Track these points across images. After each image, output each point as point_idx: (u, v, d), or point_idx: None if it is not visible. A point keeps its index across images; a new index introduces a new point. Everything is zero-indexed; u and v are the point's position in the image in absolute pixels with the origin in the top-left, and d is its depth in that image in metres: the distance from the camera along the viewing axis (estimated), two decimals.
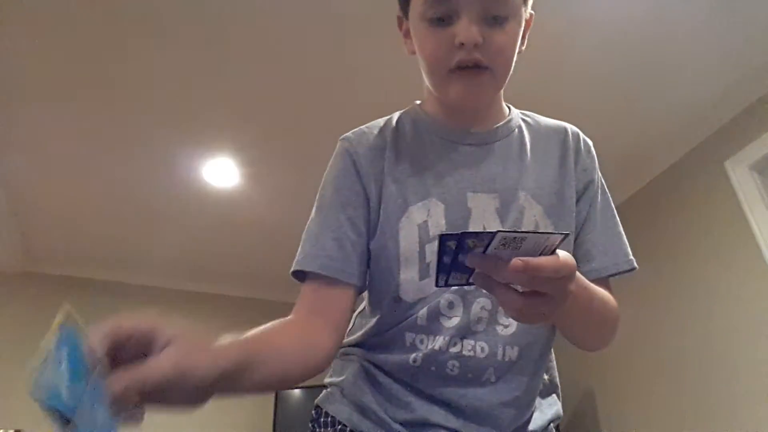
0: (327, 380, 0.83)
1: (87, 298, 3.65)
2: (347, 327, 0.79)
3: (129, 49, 2.14)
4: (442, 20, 0.73)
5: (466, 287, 0.72)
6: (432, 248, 0.74)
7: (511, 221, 0.77)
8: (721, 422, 2.32)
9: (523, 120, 0.88)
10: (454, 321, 0.73)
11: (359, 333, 0.81)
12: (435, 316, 0.74)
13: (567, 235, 0.50)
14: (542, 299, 0.51)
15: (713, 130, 2.62)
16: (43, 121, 2.47)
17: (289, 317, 0.73)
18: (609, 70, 2.35)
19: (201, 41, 2.12)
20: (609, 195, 0.87)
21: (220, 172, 2.88)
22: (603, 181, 0.88)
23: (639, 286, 2.88)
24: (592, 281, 0.76)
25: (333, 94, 2.37)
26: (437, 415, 0.72)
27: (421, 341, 0.74)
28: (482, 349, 0.73)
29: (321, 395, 0.81)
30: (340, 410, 0.76)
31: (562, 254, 0.50)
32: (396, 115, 0.88)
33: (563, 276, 0.50)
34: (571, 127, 0.88)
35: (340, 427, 0.75)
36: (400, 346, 0.75)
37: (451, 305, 0.74)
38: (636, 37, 2.20)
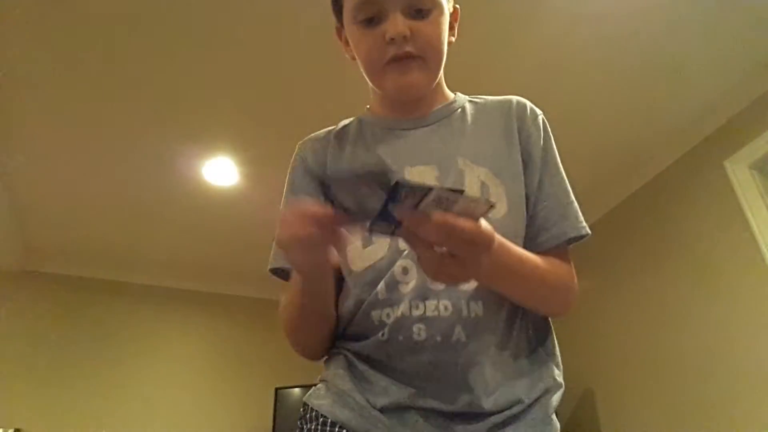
0: (318, 377, 0.84)
1: (87, 297, 3.66)
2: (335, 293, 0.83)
3: (129, 49, 2.14)
4: (372, 21, 0.79)
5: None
6: None
7: (450, 184, 0.77)
8: (720, 422, 2.32)
9: (471, 101, 0.92)
10: (411, 284, 0.74)
11: (341, 322, 0.83)
12: (393, 285, 0.75)
13: (493, 205, 0.53)
14: (455, 261, 0.55)
15: (713, 130, 2.62)
16: (43, 120, 2.47)
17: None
18: (609, 69, 2.35)
19: (201, 41, 2.12)
20: (561, 165, 0.88)
21: (220, 171, 2.88)
22: (555, 149, 0.88)
23: (638, 285, 2.88)
24: (552, 247, 0.80)
25: (333, 94, 2.37)
26: (413, 395, 0.72)
27: (387, 315, 0.75)
28: (446, 308, 0.73)
29: (308, 393, 0.82)
30: (323, 403, 0.77)
31: (483, 224, 0.54)
32: (345, 121, 0.95)
33: (478, 244, 0.54)
34: (517, 98, 0.91)
35: (322, 419, 0.75)
36: (371, 327, 0.76)
37: (405, 271, 0.75)
38: (636, 37, 2.20)
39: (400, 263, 0.75)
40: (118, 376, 3.51)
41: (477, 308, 0.73)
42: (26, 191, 2.98)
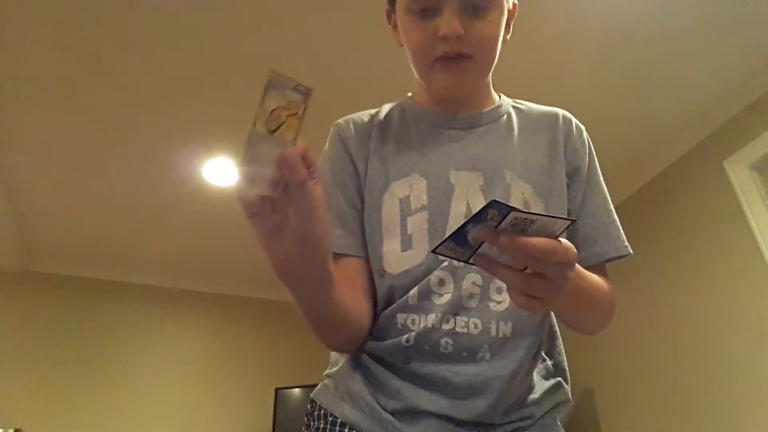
0: (325, 372, 0.83)
1: (87, 297, 3.66)
2: (371, 300, 0.79)
3: (129, 49, 2.14)
4: (426, 12, 0.75)
5: (455, 263, 0.72)
6: (414, 221, 0.76)
7: (498, 197, 0.76)
8: (720, 421, 2.32)
9: (515, 107, 0.90)
10: (446, 297, 0.73)
11: None
12: (426, 294, 0.74)
13: (573, 221, 0.52)
14: (542, 281, 0.53)
15: (712, 130, 2.62)
16: (43, 120, 2.47)
17: None
18: (609, 69, 2.35)
19: (202, 41, 2.12)
20: (603, 182, 0.87)
21: (220, 171, 2.88)
22: (598, 166, 0.88)
23: (639, 286, 2.88)
24: (591, 266, 0.78)
25: (333, 94, 2.37)
26: (427, 400, 0.71)
27: (413, 321, 0.74)
28: (475, 326, 0.72)
29: (316, 388, 0.81)
30: (333, 402, 0.76)
31: (564, 241, 0.52)
32: (387, 106, 0.91)
33: (563, 261, 0.51)
34: (563, 112, 0.89)
35: (331, 419, 0.74)
36: (393, 330, 0.75)
37: (441, 282, 0.73)
38: (636, 36, 2.20)
39: (437, 273, 0.73)
40: (118, 376, 3.51)
41: (506, 329, 0.73)
42: (26, 191, 2.98)
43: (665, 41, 2.22)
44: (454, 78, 0.78)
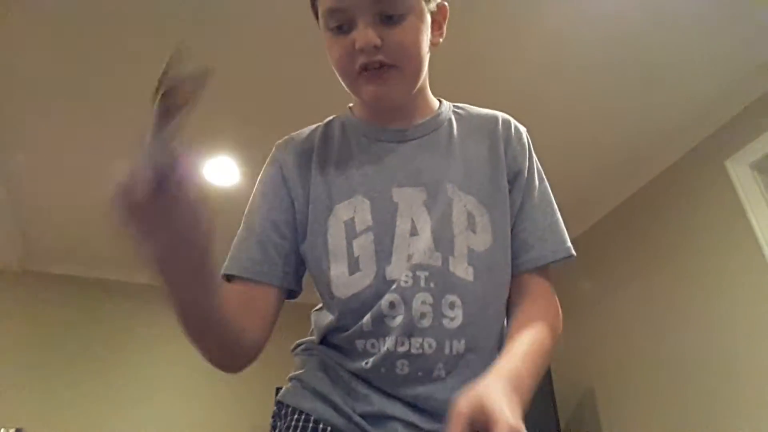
0: (289, 376, 0.83)
1: (87, 297, 3.66)
2: (271, 328, 0.78)
3: (130, 48, 2.13)
4: (342, 28, 0.75)
5: (404, 283, 0.73)
6: (360, 243, 0.76)
7: (440, 213, 0.77)
8: (721, 421, 2.32)
9: (455, 112, 0.89)
10: (398, 320, 0.73)
11: (318, 331, 0.81)
12: (379, 318, 0.73)
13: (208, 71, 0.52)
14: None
15: (714, 129, 2.62)
16: (43, 120, 2.47)
17: None
18: (609, 69, 2.35)
19: (202, 40, 2.12)
20: (546, 183, 0.87)
21: (221, 171, 2.88)
22: (540, 168, 0.87)
23: (639, 286, 2.88)
24: (531, 270, 0.81)
25: (334, 93, 2.37)
26: (395, 408, 0.73)
27: (372, 345, 0.74)
28: (430, 345, 0.72)
29: (281, 391, 0.80)
30: (302, 400, 0.76)
31: (510, 415, 0.53)
32: (329, 120, 0.91)
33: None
34: (502, 116, 0.88)
35: (304, 416, 0.75)
36: (354, 353, 0.75)
37: (392, 305, 0.73)
38: (636, 36, 2.19)
39: (388, 297, 0.73)
40: (118, 375, 3.51)
41: (459, 346, 0.74)
42: (26, 191, 2.98)
43: (665, 40, 2.22)
44: (380, 89, 0.77)
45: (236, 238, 0.82)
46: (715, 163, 2.57)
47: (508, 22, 2.11)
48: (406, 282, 0.73)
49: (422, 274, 0.74)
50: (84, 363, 3.44)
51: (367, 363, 0.73)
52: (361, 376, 0.75)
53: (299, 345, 0.85)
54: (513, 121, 0.88)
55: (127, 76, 2.27)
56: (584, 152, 2.78)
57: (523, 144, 0.86)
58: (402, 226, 0.76)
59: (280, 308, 0.79)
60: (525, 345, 0.71)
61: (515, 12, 2.06)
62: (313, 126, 0.90)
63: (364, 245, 0.76)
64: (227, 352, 0.73)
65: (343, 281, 0.75)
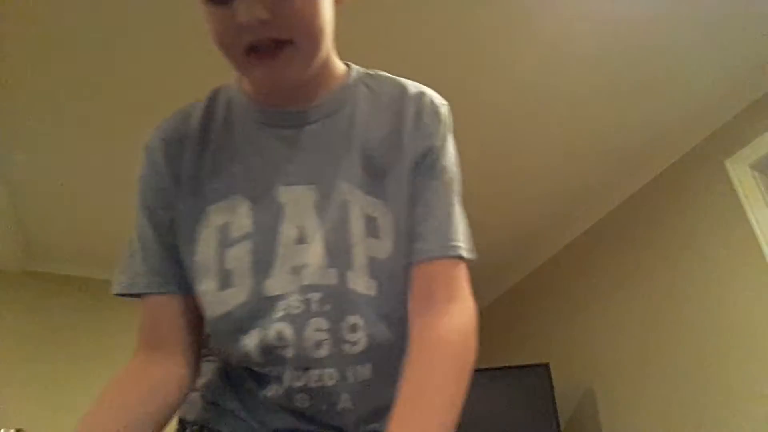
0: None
1: (87, 297, 3.66)
2: (195, 335, 0.69)
3: (131, 48, 2.13)
4: None
5: (293, 311, 0.63)
6: (234, 253, 0.64)
7: (335, 218, 0.65)
8: (721, 422, 2.32)
9: (366, 84, 0.73)
10: (290, 352, 0.62)
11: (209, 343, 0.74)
12: (268, 350, 0.63)
13: None
14: None
15: (713, 129, 2.62)
16: (43, 121, 2.47)
17: (130, 363, 0.68)
18: (608, 69, 2.35)
19: (201, 40, 2.12)
20: (455, 170, 0.72)
21: None
22: (453, 152, 0.73)
23: (639, 286, 2.88)
24: (417, 264, 0.66)
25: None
26: (311, 426, 0.66)
27: (270, 371, 0.65)
28: (330, 377, 0.63)
29: (182, 407, 0.71)
30: (209, 416, 0.69)
31: None
32: (212, 93, 0.76)
33: None
34: (414, 89, 0.73)
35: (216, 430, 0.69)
36: (252, 375, 0.68)
37: (280, 336, 0.62)
38: (636, 35, 2.19)
39: (275, 326, 0.62)
40: None
41: (364, 371, 0.65)
42: (27, 191, 2.98)
43: (666, 41, 2.22)
44: (274, 71, 0.62)
45: (126, 252, 0.73)
46: (715, 163, 2.57)
47: (507, 22, 2.11)
48: (297, 307, 0.62)
49: (314, 296, 0.62)
50: (85, 363, 3.44)
51: (266, 391, 0.65)
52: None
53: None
54: (428, 95, 0.73)
55: (128, 76, 2.27)
56: (584, 153, 2.78)
57: (437, 121, 0.71)
58: (287, 232, 0.64)
59: (191, 314, 0.69)
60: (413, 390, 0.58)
61: (514, 12, 2.06)
62: (195, 105, 0.75)
63: (239, 256, 0.64)
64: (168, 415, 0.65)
65: (211, 299, 0.64)
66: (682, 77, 2.40)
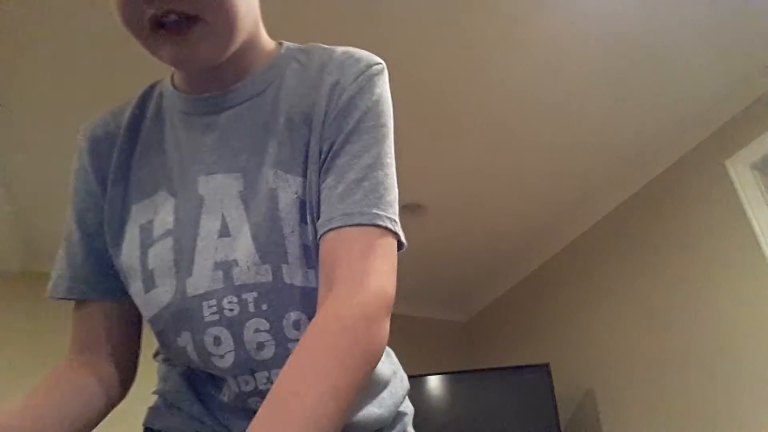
0: (153, 391, 0.72)
1: None
2: (126, 338, 0.68)
3: (129, 48, 2.13)
4: None
5: (227, 313, 0.59)
6: (156, 252, 0.61)
7: (263, 210, 0.59)
8: (721, 422, 2.32)
9: (297, 60, 0.67)
10: (230, 358, 0.59)
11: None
12: (206, 357, 0.60)
13: None
14: None
15: (714, 129, 2.62)
16: (43, 120, 2.47)
17: (56, 366, 0.66)
18: (608, 69, 2.35)
19: None
20: (381, 132, 0.62)
21: None
22: (378, 115, 0.63)
23: (640, 286, 2.88)
24: (325, 233, 0.57)
25: None
26: None
27: (215, 382, 0.64)
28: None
29: (146, 415, 0.70)
30: (174, 422, 0.66)
31: None
32: (145, 90, 0.75)
33: None
34: (337, 54, 0.66)
35: None
36: (202, 384, 0.66)
37: (217, 341, 0.59)
38: (636, 36, 2.20)
39: (210, 331, 0.59)
40: None
41: None
42: (26, 191, 2.98)
43: (665, 40, 2.22)
44: (182, 49, 0.56)
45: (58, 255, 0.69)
46: (715, 163, 2.57)
47: (507, 21, 2.11)
48: (231, 310, 0.59)
49: (249, 297, 0.59)
50: None
51: (221, 395, 0.63)
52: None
53: (159, 351, 0.72)
54: (353, 56, 0.66)
55: (128, 76, 2.27)
56: (584, 153, 2.78)
57: (361, 83, 0.63)
58: (208, 225, 0.60)
59: (122, 319, 0.67)
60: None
61: (514, 10, 2.06)
62: (130, 101, 0.73)
63: (160, 254, 0.61)
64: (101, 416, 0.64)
65: (140, 301, 0.62)
66: (682, 77, 2.41)
